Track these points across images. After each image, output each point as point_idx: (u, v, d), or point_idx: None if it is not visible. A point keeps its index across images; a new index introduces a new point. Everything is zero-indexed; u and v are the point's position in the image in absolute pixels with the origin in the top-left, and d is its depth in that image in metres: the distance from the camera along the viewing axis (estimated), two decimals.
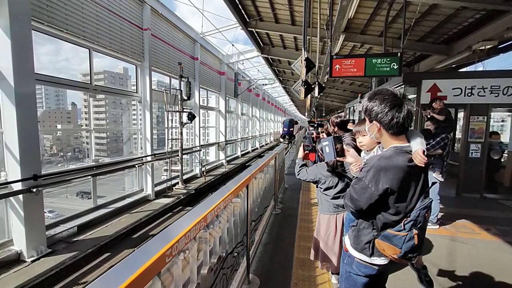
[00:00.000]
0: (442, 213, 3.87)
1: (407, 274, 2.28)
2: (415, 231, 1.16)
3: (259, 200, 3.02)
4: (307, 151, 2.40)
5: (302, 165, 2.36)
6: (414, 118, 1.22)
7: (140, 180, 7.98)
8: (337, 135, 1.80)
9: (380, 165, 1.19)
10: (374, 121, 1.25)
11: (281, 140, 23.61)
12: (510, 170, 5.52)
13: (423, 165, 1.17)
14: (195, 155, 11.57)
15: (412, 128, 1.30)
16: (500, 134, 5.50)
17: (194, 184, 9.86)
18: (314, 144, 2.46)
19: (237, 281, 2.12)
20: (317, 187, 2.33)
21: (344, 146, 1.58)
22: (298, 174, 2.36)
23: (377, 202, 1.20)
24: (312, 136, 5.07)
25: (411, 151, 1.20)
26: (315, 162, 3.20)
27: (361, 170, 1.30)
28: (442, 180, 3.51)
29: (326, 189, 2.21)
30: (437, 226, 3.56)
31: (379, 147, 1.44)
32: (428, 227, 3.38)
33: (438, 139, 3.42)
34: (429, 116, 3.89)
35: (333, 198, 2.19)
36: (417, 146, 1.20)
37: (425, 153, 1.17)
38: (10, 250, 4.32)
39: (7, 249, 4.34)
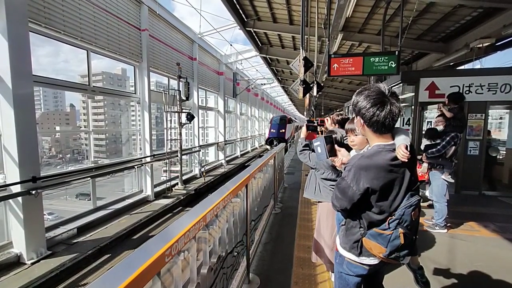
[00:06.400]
0: None
1: (407, 273, 2.28)
2: (400, 230, 1.15)
3: (259, 199, 3.02)
4: (310, 131, 2.41)
5: (305, 145, 2.35)
6: (398, 118, 1.20)
7: (140, 181, 7.96)
8: (329, 134, 1.80)
9: (360, 165, 1.19)
10: (358, 117, 1.25)
11: (267, 147, 16.89)
12: (508, 167, 5.55)
13: (406, 160, 1.15)
14: (195, 156, 11.56)
15: (403, 126, 1.30)
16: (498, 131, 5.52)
17: (194, 184, 9.84)
18: (316, 124, 2.46)
19: (237, 280, 2.12)
20: (312, 168, 2.34)
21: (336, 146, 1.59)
22: (300, 154, 2.37)
23: (360, 201, 1.20)
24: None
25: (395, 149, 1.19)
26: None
27: (344, 169, 1.30)
28: (452, 181, 3.44)
29: (325, 178, 2.23)
30: (445, 230, 3.41)
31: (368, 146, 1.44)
32: (436, 231, 3.34)
33: (448, 138, 3.30)
34: (439, 112, 3.74)
35: (332, 185, 2.20)
36: (400, 141, 1.18)
37: (408, 148, 1.15)
38: (10, 253, 4.31)
39: (7, 251, 4.33)
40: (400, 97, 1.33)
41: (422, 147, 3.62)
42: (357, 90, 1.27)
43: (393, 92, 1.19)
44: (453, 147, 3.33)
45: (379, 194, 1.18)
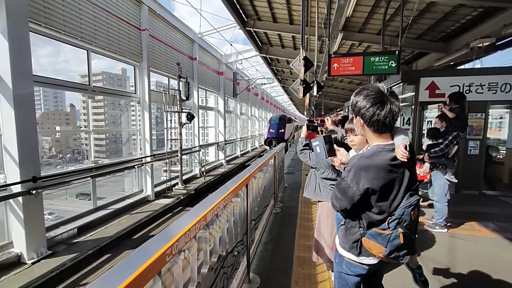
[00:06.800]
0: None
1: (406, 273, 2.28)
2: (400, 230, 1.15)
3: (259, 199, 3.02)
4: (310, 130, 2.41)
5: (306, 145, 2.35)
6: (398, 117, 1.19)
7: (140, 181, 7.97)
8: (328, 134, 1.80)
9: (360, 165, 1.18)
10: (357, 117, 1.24)
11: (266, 147, 16.14)
12: (508, 167, 5.55)
13: (406, 160, 1.15)
14: (195, 155, 11.56)
15: (403, 126, 1.29)
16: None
17: (194, 184, 9.85)
18: (316, 124, 2.47)
19: (237, 280, 2.12)
20: (312, 167, 2.34)
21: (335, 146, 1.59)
22: (300, 154, 2.38)
23: (360, 202, 1.19)
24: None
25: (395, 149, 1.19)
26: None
27: (344, 169, 1.29)
28: (456, 181, 3.44)
29: (325, 178, 2.23)
30: (446, 230, 3.40)
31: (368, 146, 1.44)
32: (436, 230, 3.34)
33: (450, 137, 3.28)
34: (439, 113, 3.71)
35: (331, 185, 2.20)
36: (399, 141, 1.18)
37: (407, 148, 1.15)
38: (10, 253, 4.32)
39: (7, 251, 4.34)
40: (400, 96, 1.33)
41: (424, 147, 3.60)
42: (356, 90, 1.26)
43: (392, 91, 1.19)
44: (456, 147, 3.32)
45: (379, 194, 1.17)
